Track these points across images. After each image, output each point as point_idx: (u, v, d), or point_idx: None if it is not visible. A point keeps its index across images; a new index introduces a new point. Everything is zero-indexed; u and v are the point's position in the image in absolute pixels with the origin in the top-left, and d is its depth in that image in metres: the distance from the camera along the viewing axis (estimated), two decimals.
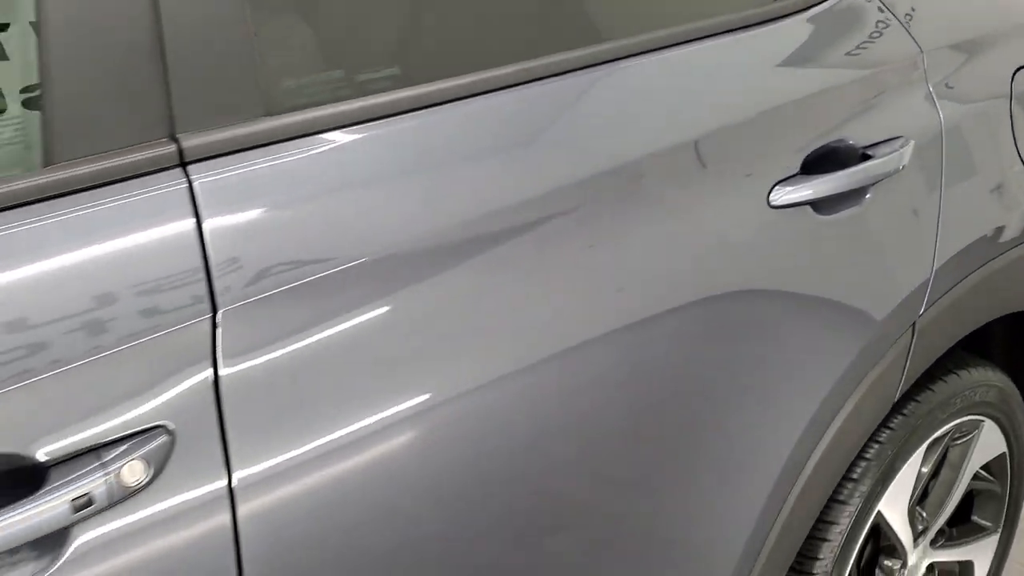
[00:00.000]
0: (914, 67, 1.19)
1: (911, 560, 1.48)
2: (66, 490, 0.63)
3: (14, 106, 0.71)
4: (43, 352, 0.64)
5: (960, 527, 1.60)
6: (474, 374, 0.83)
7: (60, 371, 0.64)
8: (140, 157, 0.69)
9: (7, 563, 0.63)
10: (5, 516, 0.61)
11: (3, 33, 0.72)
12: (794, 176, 1.05)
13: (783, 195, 1.03)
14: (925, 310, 1.23)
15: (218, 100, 0.73)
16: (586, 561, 1.00)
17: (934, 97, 1.20)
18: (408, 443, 0.80)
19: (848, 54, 1.13)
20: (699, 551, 1.13)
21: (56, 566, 0.64)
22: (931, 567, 1.56)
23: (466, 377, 0.82)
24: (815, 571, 1.30)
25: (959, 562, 1.61)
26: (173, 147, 0.70)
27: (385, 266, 0.78)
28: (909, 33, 1.20)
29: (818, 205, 1.07)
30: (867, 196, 1.11)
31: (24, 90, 0.71)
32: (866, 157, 1.10)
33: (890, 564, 1.47)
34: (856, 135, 1.10)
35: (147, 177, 0.69)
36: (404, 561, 0.83)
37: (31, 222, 0.65)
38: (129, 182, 0.69)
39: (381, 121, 0.80)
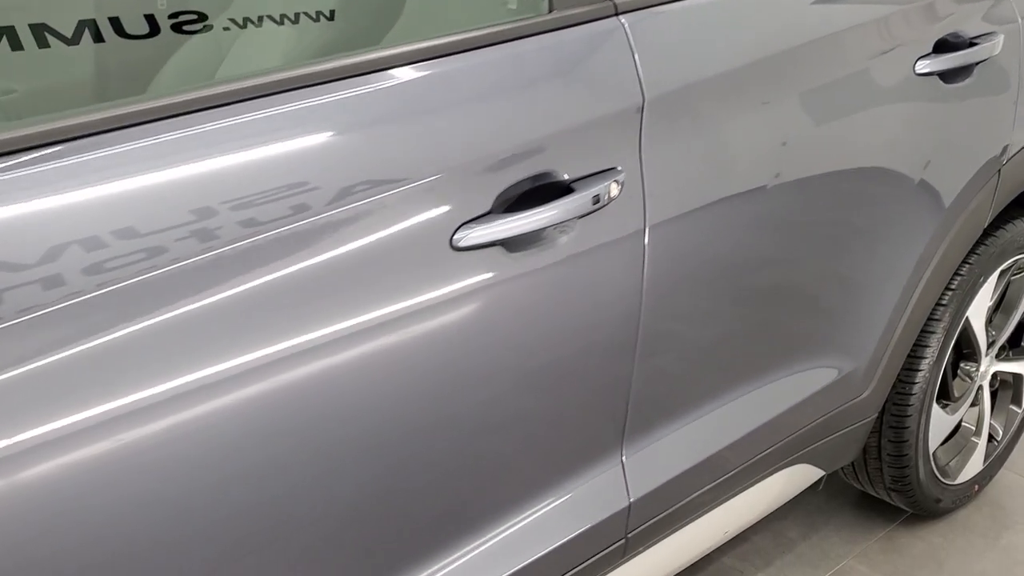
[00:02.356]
0: None
1: (983, 366, 1.97)
2: (586, 191, 1.09)
3: None
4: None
5: (1014, 349, 2.10)
6: (690, 200, 1.25)
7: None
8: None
9: (543, 237, 1.08)
10: (549, 207, 1.06)
11: None
12: (929, 54, 1.52)
13: (924, 66, 1.50)
14: (1007, 160, 1.71)
15: None
16: (777, 344, 1.49)
17: (1013, 5, 1.67)
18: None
19: None
20: (858, 336, 1.62)
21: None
22: (995, 376, 2.05)
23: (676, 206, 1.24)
24: (924, 356, 1.78)
25: (1012, 374, 2.10)
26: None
27: None
28: None
29: (945, 76, 1.54)
30: (974, 72, 1.58)
31: None
32: (973, 44, 1.57)
33: (968, 367, 1.96)
34: (967, 29, 1.58)
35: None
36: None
37: None
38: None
39: None
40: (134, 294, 0.83)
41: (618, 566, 1.40)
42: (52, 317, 0.79)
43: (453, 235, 1.02)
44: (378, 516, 1.07)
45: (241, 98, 0.91)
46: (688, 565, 1.62)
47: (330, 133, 0.96)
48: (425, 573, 1.14)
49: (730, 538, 1.67)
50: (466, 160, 1.03)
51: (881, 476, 1.91)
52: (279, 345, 0.92)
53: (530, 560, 1.24)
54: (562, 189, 1.10)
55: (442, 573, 1.16)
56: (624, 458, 1.33)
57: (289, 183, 0.92)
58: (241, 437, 0.92)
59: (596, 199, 1.10)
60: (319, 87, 0.96)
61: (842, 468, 1.93)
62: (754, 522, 1.69)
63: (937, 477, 1.95)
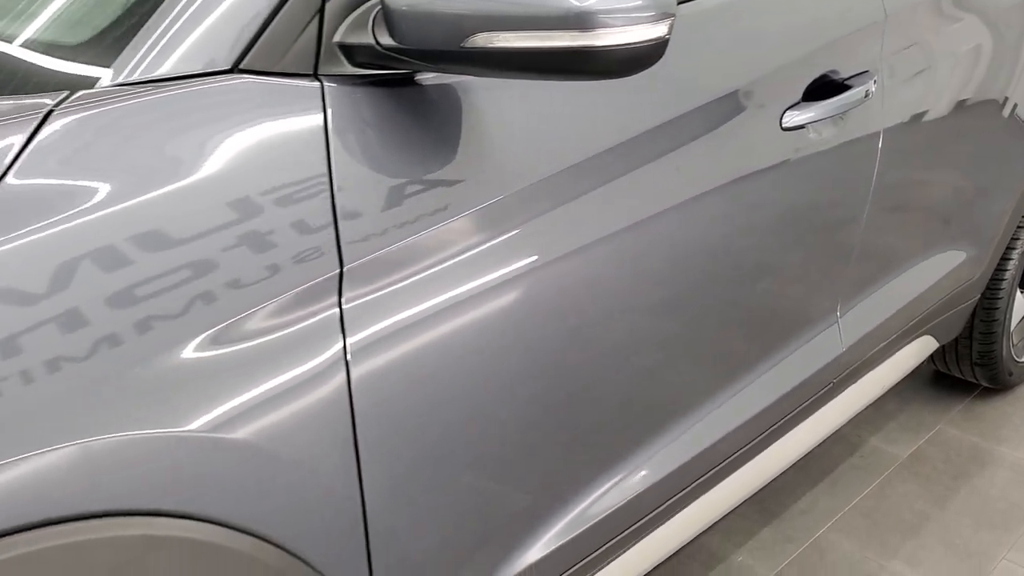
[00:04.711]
0: None
1: None
2: (860, 87, 1.40)
3: None
4: None
5: None
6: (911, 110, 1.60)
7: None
8: None
9: (832, 121, 1.39)
10: (842, 97, 1.37)
11: None
12: None
13: None
14: None
15: None
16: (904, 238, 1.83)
17: None
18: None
19: None
20: (981, 229, 1.97)
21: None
22: None
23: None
24: (1016, 248, 2.14)
25: None
26: None
27: None
28: None
29: None
30: None
31: None
32: None
33: None
34: None
35: None
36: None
37: None
38: None
39: None
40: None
41: (827, 403, 1.72)
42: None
43: (781, 118, 1.31)
44: (671, 365, 1.36)
45: None
46: (869, 404, 1.94)
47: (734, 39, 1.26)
48: (707, 406, 1.42)
49: (885, 391, 2.00)
50: (792, 59, 1.32)
51: (969, 352, 2.28)
52: (664, 204, 1.19)
53: (772, 400, 1.53)
54: (837, 86, 1.40)
55: (722, 406, 1.45)
56: (839, 315, 1.65)
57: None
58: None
59: (867, 94, 1.41)
60: None
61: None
62: (895, 383, 2.03)
63: (1012, 353, 2.33)
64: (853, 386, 1.81)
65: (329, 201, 0.86)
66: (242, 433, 0.82)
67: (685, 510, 1.46)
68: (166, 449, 0.78)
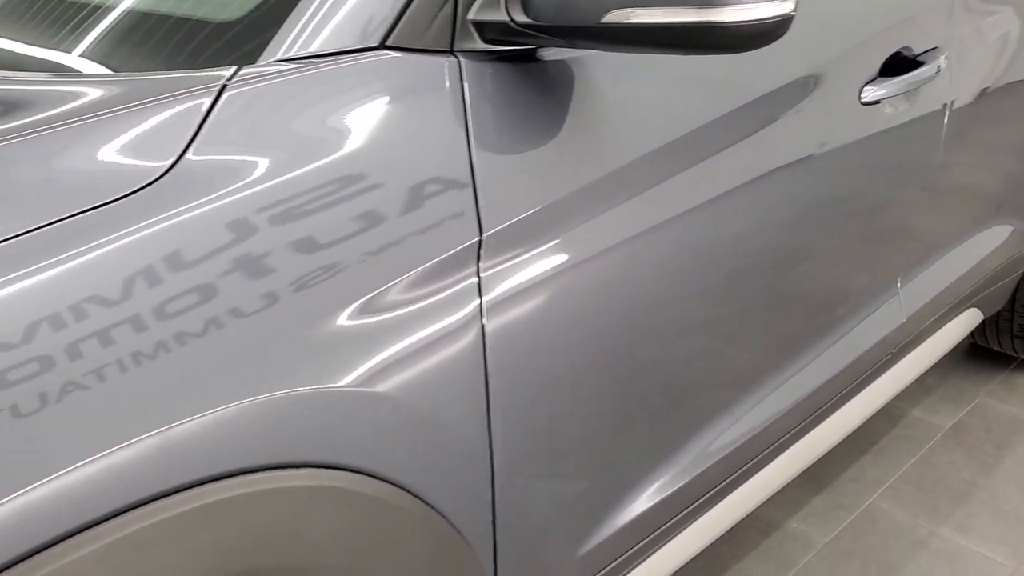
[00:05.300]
0: None
1: None
2: (933, 62, 1.44)
3: None
4: None
5: None
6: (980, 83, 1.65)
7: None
8: None
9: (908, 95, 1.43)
10: (917, 72, 1.41)
11: None
12: None
13: None
14: None
15: None
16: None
17: None
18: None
19: None
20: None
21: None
22: None
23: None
24: None
25: None
26: None
27: None
28: None
29: None
30: None
31: None
32: None
33: None
34: None
35: None
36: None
37: None
38: None
39: None
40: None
41: (882, 374, 1.77)
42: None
43: (860, 92, 1.35)
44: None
45: None
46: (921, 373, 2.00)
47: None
48: (776, 379, 1.47)
49: (933, 363, 2.05)
50: (870, 35, 1.36)
51: (1010, 325, 2.32)
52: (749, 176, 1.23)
53: (835, 373, 1.58)
54: (909, 62, 1.44)
55: (800, 371, 1.49)
56: (900, 286, 1.69)
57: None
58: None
59: (938, 69, 1.45)
60: None
61: None
62: (943, 354, 2.08)
63: None
64: (905, 358, 1.86)
65: (469, 171, 0.91)
66: (386, 388, 0.86)
67: (748, 481, 1.51)
68: (324, 405, 0.82)
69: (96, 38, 1.00)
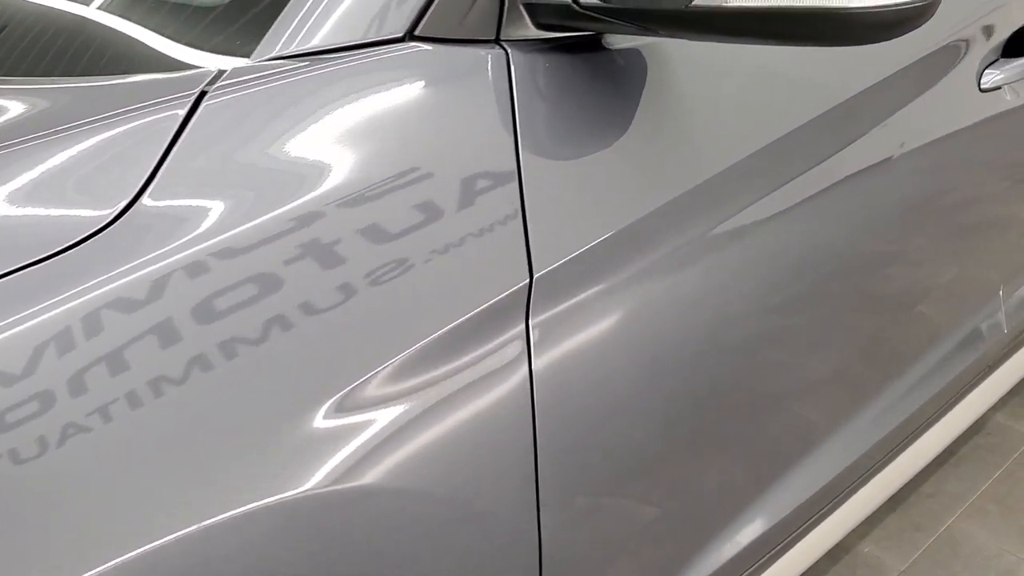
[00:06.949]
0: None
1: None
2: None
3: None
4: None
5: None
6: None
7: None
8: None
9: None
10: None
11: None
12: None
13: None
14: None
15: None
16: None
17: None
18: None
19: None
20: None
21: None
22: None
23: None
24: None
25: None
26: None
27: None
28: None
29: None
30: None
31: None
32: None
33: None
34: None
35: None
36: None
37: None
38: None
39: None
40: None
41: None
42: None
43: (980, 78, 1.13)
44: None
45: None
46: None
47: None
48: (894, 390, 1.28)
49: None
50: (990, 11, 1.14)
51: None
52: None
53: (932, 395, 1.38)
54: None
55: (899, 394, 1.30)
56: (1002, 295, 1.48)
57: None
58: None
59: None
60: None
61: None
62: None
63: None
64: (1001, 368, 1.65)
65: (518, 193, 0.71)
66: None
67: (834, 514, 1.33)
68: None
69: (27, 32, 0.80)
